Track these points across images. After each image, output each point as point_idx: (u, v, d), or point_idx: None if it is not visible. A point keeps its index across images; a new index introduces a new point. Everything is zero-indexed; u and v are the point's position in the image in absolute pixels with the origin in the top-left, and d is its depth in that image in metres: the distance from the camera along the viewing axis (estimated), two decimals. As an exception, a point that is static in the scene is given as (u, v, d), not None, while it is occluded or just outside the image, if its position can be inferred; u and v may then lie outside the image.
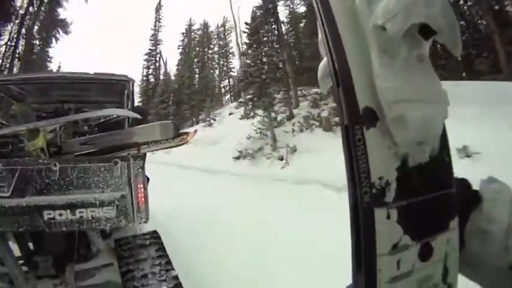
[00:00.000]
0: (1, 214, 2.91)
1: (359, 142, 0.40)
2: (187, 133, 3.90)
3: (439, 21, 0.40)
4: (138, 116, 4.01)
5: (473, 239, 0.50)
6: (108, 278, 3.70)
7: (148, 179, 3.44)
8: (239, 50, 30.24)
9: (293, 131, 15.16)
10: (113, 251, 3.76)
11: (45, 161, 3.14)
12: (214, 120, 27.23)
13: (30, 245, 3.63)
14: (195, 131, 4.44)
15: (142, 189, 3.18)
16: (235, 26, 31.35)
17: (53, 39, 31.03)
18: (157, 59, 49.41)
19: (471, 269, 0.52)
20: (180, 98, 39.95)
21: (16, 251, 3.52)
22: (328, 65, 0.44)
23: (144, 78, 48.73)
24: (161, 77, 48.05)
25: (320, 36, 0.45)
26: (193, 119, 36.85)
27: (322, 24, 0.43)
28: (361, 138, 0.40)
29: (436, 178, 0.44)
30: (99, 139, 3.71)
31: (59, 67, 37.18)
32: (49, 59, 31.96)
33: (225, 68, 45.71)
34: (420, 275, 0.42)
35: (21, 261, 3.49)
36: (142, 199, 3.17)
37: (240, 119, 21.68)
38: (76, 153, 3.64)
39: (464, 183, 0.55)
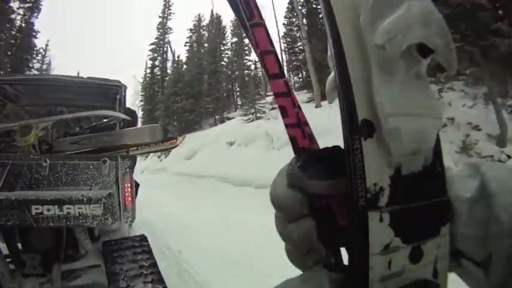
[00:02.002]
0: None
1: (357, 151, 0.41)
2: (175, 137, 3.93)
3: (435, 41, 0.41)
4: (127, 118, 4.05)
5: None
6: (94, 279, 3.60)
7: (138, 185, 3.44)
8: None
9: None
10: (101, 253, 3.75)
11: (36, 157, 3.15)
12: (264, 112, 19.80)
13: (19, 245, 3.59)
14: (183, 136, 4.49)
15: (129, 189, 3.18)
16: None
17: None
18: (165, 49, 43.47)
19: None
20: (198, 90, 32.28)
21: (4, 250, 3.47)
22: (334, 79, 0.45)
23: (149, 72, 43.30)
24: (169, 70, 42.15)
25: (329, 51, 0.46)
26: (216, 117, 30.53)
27: (329, 40, 0.44)
28: (358, 147, 0.41)
29: (428, 186, 0.45)
30: (89, 139, 3.74)
31: (47, 45, 34.60)
32: (34, 33, 27.73)
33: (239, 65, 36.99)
34: (410, 276, 0.43)
35: (8, 260, 3.44)
36: (129, 198, 3.17)
37: (317, 106, 17.23)
38: (66, 152, 3.65)
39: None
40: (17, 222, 2.97)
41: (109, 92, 4.89)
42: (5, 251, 3.46)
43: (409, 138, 0.42)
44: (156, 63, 43.54)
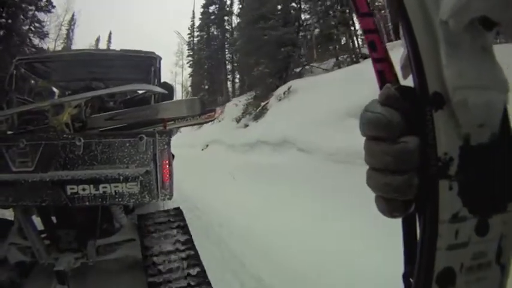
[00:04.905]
0: (24, 188, 2.78)
1: (428, 122, 0.42)
2: (214, 110, 3.73)
3: (497, 13, 0.39)
4: (164, 91, 3.80)
5: None
6: (129, 253, 3.51)
7: (173, 156, 3.24)
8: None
9: None
10: (136, 226, 3.57)
11: (70, 136, 2.97)
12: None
13: (54, 219, 3.49)
14: (223, 108, 4.28)
15: (167, 166, 2.98)
16: None
17: None
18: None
19: None
20: (297, 13, 17.24)
21: (39, 224, 3.39)
22: (407, 56, 0.45)
23: (201, 12, 34.38)
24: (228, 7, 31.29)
25: (401, 29, 0.46)
26: (338, 58, 15.45)
27: (400, 19, 0.44)
28: (430, 118, 0.42)
29: (495, 160, 0.43)
30: (125, 114, 3.49)
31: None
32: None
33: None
34: (475, 249, 0.43)
35: (43, 235, 3.36)
36: (167, 175, 2.98)
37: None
38: (101, 129, 3.45)
39: None
40: (52, 202, 2.84)
41: (143, 63, 4.65)
42: (40, 227, 3.39)
43: (476, 110, 0.42)
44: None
